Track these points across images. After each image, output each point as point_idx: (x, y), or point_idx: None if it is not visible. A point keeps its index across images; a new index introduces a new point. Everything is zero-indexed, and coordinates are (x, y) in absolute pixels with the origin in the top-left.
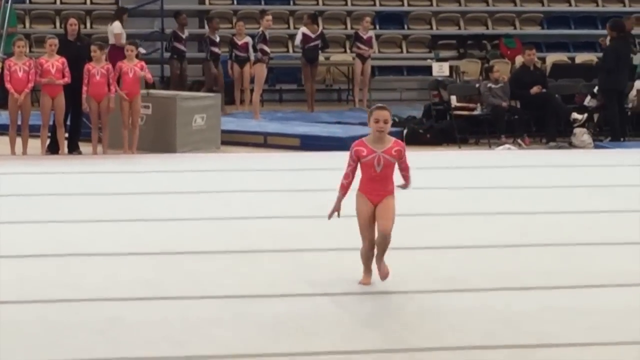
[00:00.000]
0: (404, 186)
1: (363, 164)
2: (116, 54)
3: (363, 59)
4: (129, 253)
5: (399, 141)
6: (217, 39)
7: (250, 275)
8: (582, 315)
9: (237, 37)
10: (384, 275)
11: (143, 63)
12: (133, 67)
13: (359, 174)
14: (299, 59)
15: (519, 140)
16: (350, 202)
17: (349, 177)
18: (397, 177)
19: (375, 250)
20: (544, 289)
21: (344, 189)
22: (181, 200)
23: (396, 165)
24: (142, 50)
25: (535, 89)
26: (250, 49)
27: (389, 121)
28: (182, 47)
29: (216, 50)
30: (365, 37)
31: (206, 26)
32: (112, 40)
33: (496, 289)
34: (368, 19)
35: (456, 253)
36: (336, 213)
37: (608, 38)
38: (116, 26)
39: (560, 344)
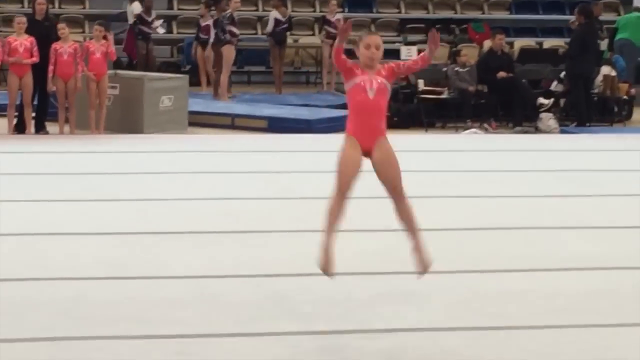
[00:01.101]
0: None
1: (354, 89)
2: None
3: (332, 40)
4: (93, 232)
5: (387, 63)
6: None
7: (214, 257)
8: (543, 298)
9: (201, 19)
10: (423, 268)
11: (110, 43)
12: (100, 47)
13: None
14: (267, 41)
15: (486, 125)
16: (313, 184)
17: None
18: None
19: (407, 233)
20: (506, 271)
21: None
22: (147, 180)
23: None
24: (160, 30)
25: (501, 74)
26: (212, 32)
27: (380, 48)
28: (146, 29)
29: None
30: (333, 20)
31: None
32: (131, 21)
33: (458, 271)
34: (334, 2)
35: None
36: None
37: (576, 22)
38: (136, 7)
39: (520, 326)
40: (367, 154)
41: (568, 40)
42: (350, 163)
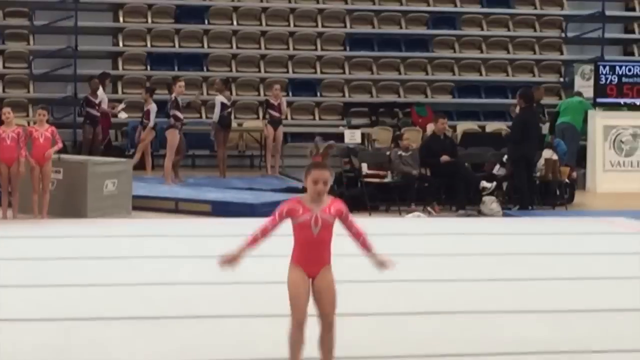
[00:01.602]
0: (370, 252)
1: (298, 226)
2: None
3: (275, 125)
4: (34, 319)
5: (338, 200)
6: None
7: (159, 342)
8: None
9: (145, 103)
10: None
11: (53, 128)
12: (43, 132)
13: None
14: (211, 125)
15: (429, 208)
16: (261, 268)
17: (266, 231)
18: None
19: (320, 353)
20: (451, 356)
21: (254, 241)
22: (90, 265)
23: (334, 230)
24: (122, 115)
25: (444, 158)
26: (152, 116)
27: (328, 182)
28: (94, 112)
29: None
30: (275, 104)
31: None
32: (105, 105)
33: (399, 356)
34: (277, 86)
35: (361, 321)
36: (230, 263)
37: (518, 107)
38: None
39: None
40: (312, 279)
41: (510, 123)
42: (301, 291)
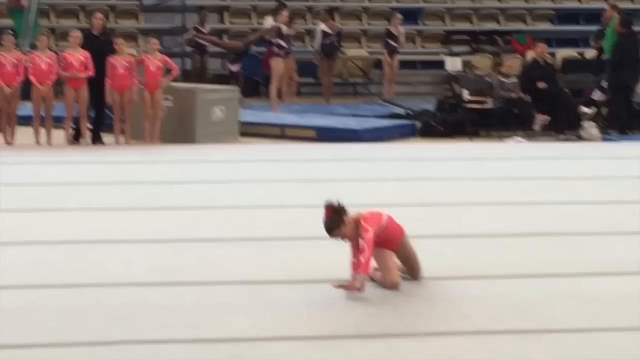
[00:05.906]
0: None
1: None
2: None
3: (392, 53)
4: (147, 240)
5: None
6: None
7: (265, 263)
8: (585, 302)
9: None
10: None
11: (165, 57)
12: (155, 60)
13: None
14: (313, 53)
15: (537, 122)
16: (363, 191)
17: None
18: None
19: None
20: (550, 276)
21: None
22: (199, 189)
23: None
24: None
25: (541, 84)
26: None
27: (339, 235)
28: (202, 42)
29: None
30: (395, 33)
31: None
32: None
33: (503, 276)
34: (399, 16)
35: (465, 242)
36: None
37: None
38: (267, 21)
39: (564, 329)
40: None
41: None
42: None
